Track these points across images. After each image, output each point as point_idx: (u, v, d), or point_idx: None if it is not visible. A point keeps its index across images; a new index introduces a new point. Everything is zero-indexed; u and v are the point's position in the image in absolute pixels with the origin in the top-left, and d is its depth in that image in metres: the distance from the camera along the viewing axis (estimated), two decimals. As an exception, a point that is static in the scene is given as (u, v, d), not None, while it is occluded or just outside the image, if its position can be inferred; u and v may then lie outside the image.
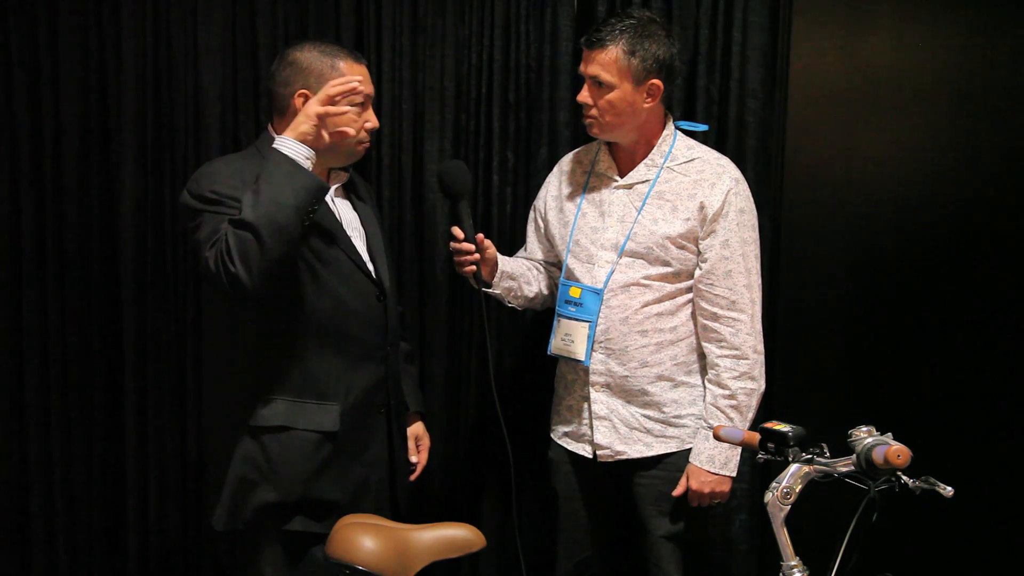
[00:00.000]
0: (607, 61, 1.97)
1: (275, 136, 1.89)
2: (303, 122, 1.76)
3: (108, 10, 2.47)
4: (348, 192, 2.04)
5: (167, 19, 2.47)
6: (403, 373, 2.13)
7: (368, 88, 1.93)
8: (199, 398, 2.56)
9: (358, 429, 1.94)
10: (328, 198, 1.94)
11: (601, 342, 2.05)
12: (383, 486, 2.02)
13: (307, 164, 1.76)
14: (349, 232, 1.95)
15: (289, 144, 1.76)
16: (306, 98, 1.86)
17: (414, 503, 2.38)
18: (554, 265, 2.26)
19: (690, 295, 2.05)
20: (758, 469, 2.43)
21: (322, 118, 1.76)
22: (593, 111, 2.02)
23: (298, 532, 1.88)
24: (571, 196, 2.18)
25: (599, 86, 1.99)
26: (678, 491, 2.04)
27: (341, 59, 1.90)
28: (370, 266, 1.96)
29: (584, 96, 2.03)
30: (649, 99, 2.01)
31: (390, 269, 2.05)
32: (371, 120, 1.94)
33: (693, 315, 2.06)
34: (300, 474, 1.86)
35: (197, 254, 1.77)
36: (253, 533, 1.88)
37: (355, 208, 2.03)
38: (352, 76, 1.86)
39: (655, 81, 1.99)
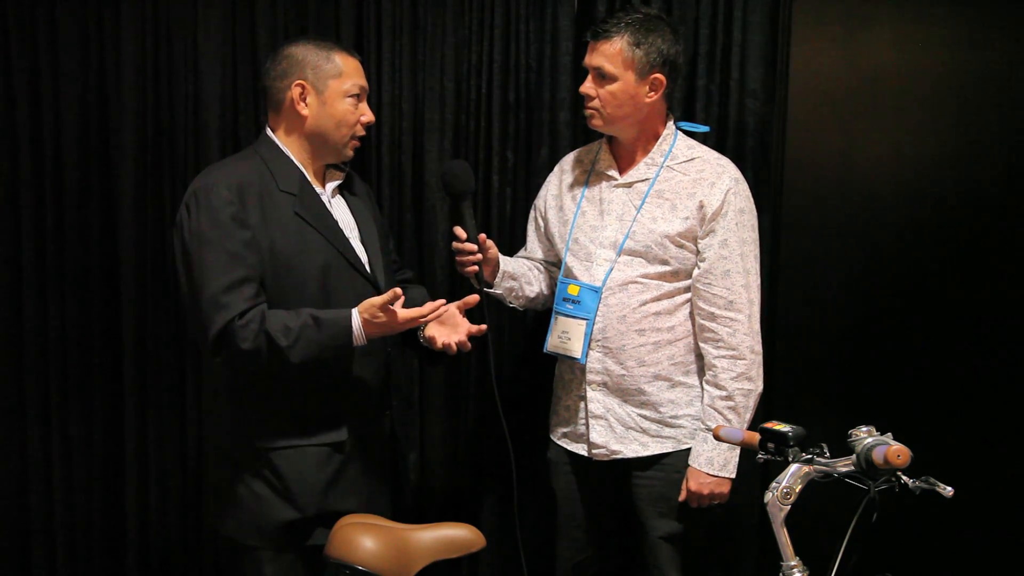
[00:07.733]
0: (612, 52, 1.97)
1: (273, 137, 1.89)
2: (380, 328, 1.80)
3: (108, 10, 2.47)
4: (342, 189, 2.02)
5: (167, 20, 2.47)
6: (413, 291, 2.12)
7: (363, 80, 1.94)
8: (199, 399, 2.55)
9: (365, 434, 1.93)
10: (324, 199, 1.93)
11: (598, 340, 2.05)
12: (387, 487, 2.02)
13: (356, 338, 1.80)
14: (347, 233, 1.94)
15: (358, 327, 1.79)
16: (303, 88, 1.86)
17: (414, 503, 2.38)
18: (554, 265, 2.26)
19: (688, 295, 2.05)
20: (758, 469, 2.43)
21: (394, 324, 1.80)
22: (595, 102, 2.02)
23: (320, 546, 1.85)
24: (571, 194, 2.18)
25: (602, 77, 2.00)
26: (682, 496, 2.03)
27: (336, 52, 1.91)
28: (368, 268, 1.95)
29: (587, 87, 2.03)
30: (652, 93, 2.01)
31: (385, 268, 2.02)
32: (367, 114, 1.94)
33: (691, 315, 2.06)
34: (314, 489, 1.86)
35: (196, 295, 1.81)
36: (273, 551, 1.87)
37: (349, 205, 2.02)
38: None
39: (658, 75, 1.99)
